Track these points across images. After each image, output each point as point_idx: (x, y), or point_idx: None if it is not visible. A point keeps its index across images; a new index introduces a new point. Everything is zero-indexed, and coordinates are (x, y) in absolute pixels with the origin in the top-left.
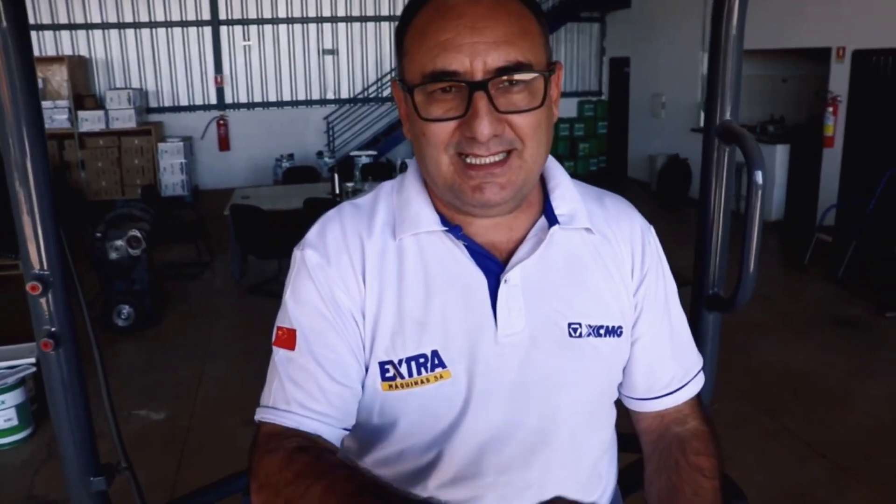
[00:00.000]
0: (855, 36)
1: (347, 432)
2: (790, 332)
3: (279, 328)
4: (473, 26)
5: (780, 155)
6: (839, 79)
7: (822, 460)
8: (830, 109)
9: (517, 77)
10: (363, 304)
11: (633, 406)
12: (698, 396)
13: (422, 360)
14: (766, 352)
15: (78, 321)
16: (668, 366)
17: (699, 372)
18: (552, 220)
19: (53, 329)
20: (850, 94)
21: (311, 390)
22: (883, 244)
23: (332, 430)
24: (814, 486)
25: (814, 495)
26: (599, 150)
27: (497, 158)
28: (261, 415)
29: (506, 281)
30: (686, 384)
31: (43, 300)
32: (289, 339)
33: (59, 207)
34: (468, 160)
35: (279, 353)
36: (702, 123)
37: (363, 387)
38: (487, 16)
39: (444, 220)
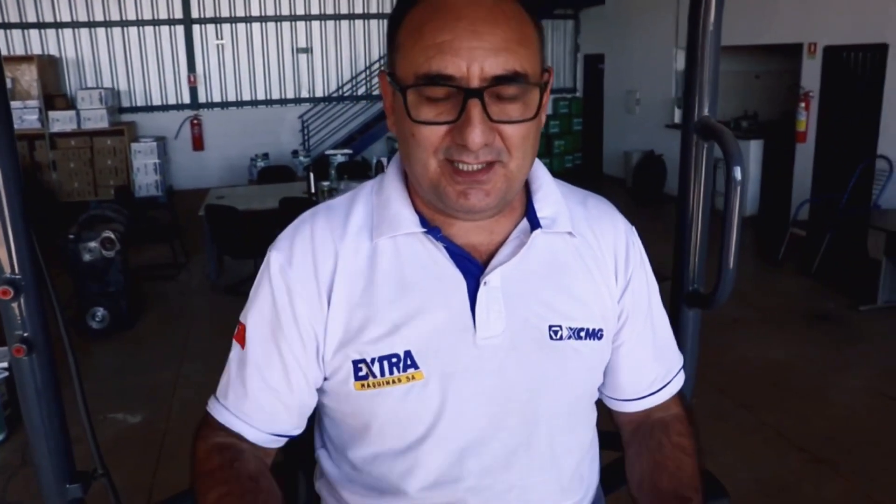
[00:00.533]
0: (826, 32)
1: (282, 438)
2: (766, 326)
3: (239, 323)
4: (473, 30)
5: (753, 150)
6: (811, 74)
7: (800, 453)
8: (803, 105)
9: (513, 88)
10: (327, 310)
11: (615, 406)
12: (680, 391)
13: (394, 360)
14: (743, 346)
15: (51, 325)
16: (651, 367)
17: (680, 370)
18: (534, 223)
19: (26, 334)
20: (822, 90)
21: (243, 392)
22: (856, 238)
23: (256, 433)
24: (792, 479)
25: (792, 488)
26: (574, 147)
27: (483, 165)
28: (208, 403)
29: (485, 283)
30: (668, 383)
31: (15, 305)
32: (241, 337)
33: (30, 209)
34: (458, 166)
35: (234, 348)
36: (676, 119)
37: (338, 387)
38: (488, 19)
39: (424, 221)
